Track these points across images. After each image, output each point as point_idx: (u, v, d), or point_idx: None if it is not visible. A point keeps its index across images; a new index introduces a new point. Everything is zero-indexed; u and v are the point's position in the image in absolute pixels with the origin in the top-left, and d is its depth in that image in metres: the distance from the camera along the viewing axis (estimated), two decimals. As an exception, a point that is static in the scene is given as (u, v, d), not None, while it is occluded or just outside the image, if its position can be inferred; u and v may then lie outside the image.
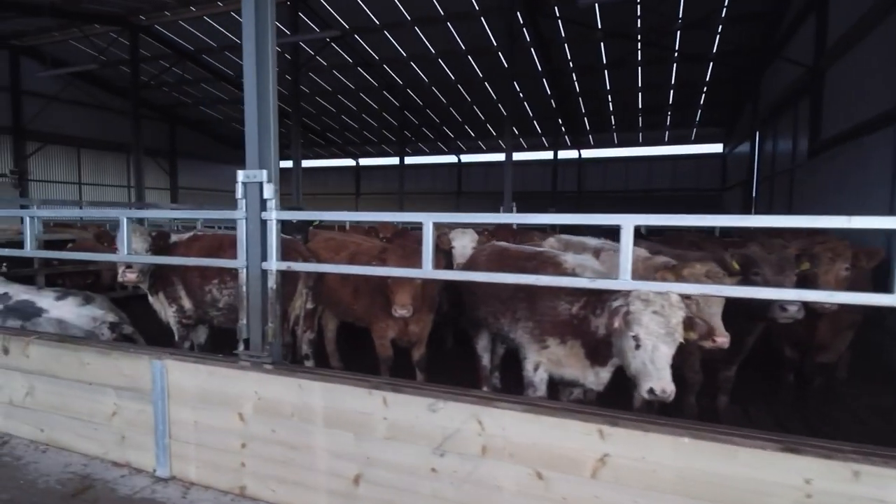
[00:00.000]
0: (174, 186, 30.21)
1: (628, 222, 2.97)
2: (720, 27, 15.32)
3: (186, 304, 5.42)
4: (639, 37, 15.92)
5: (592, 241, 4.99)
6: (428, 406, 2.81)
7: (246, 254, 3.86)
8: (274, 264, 3.81)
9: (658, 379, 2.81)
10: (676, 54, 16.99)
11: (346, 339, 6.23)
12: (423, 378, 5.09)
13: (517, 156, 30.01)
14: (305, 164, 33.03)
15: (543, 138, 27.65)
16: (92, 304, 5.42)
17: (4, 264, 7.45)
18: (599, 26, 15.72)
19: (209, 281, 5.13)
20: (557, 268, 3.76)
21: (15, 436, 4.17)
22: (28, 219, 5.04)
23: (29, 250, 5.12)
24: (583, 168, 28.59)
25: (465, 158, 32.08)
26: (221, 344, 5.68)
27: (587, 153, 28.60)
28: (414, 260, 4.46)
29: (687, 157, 26.80)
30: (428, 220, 3.51)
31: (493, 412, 2.69)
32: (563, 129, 25.86)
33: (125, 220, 4.56)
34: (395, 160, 31.02)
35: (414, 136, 29.57)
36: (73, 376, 3.86)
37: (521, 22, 15.33)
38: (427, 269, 3.50)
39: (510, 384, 4.89)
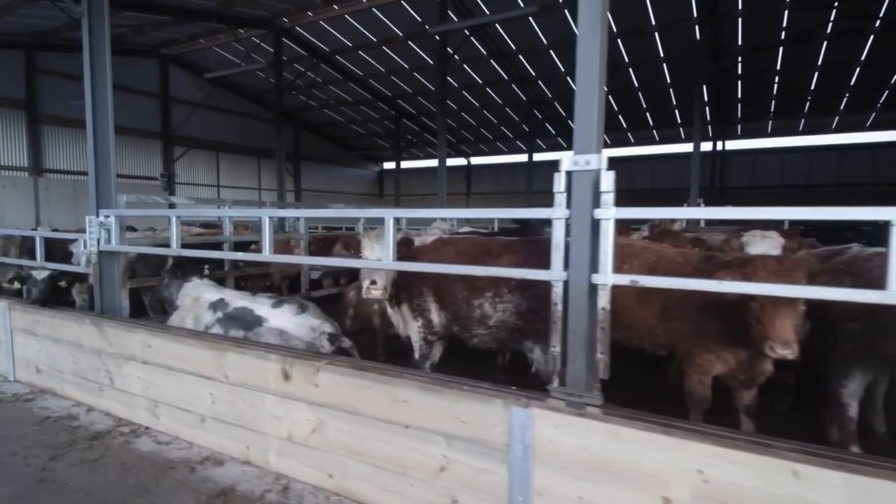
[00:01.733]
0: (297, 188, 31.14)
1: None
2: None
3: (436, 318, 4.60)
4: (836, 4, 13.56)
5: None
6: None
7: (565, 263, 2.92)
8: (610, 277, 2.81)
9: None
10: (878, 23, 14.33)
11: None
12: (753, 427, 3.92)
13: (649, 149, 27.85)
14: (405, 165, 32.93)
15: (681, 129, 25.17)
16: (307, 312, 4.84)
17: (207, 266, 7.14)
18: (788, -5, 13.59)
19: (480, 293, 4.24)
20: None
21: (294, 479, 3.48)
22: (266, 219, 4.51)
23: (267, 254, 4.57)
24: (727, 160, 25.69)
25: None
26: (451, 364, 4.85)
27: (731, 144, 25.66)
28: (797, 275, 3.28)
29: (860, 146, 23.06)
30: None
31: None
32: (708, 117, 23.32)
33: (391, 220, 3.79)
34: (505, 158, 30.88)
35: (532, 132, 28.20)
36: (380, 415, 3.08)
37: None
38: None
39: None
